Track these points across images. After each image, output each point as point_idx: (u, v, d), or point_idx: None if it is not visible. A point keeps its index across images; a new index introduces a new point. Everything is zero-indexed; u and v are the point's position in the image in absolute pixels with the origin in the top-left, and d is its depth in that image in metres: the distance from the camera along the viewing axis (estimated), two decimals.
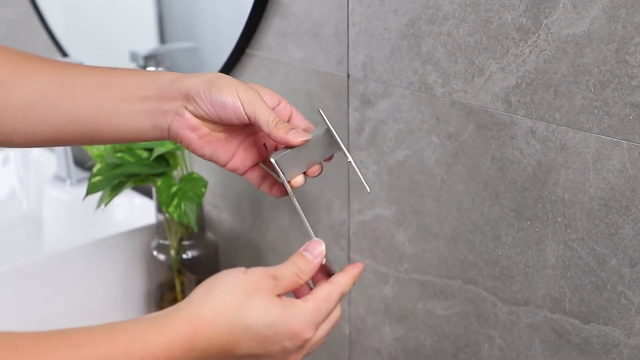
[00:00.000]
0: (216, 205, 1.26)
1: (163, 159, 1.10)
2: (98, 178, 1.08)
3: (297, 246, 1.12)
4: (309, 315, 0.64)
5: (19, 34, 1.66)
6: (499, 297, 0.87)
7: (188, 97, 0.71)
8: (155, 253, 1.18)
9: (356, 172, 0.74)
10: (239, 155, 0.76)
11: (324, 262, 0.69)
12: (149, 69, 1.21)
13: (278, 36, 1.05)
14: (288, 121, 0.76)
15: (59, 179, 1.46)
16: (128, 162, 1.09)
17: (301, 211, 0.72)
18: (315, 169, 0.74)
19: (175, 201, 1.07)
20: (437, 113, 0.88)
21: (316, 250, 0.68)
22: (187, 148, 0.74)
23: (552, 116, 0.77)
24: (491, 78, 0.81)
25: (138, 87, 0.73)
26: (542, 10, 0.75)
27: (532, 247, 0.82)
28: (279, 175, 0.72)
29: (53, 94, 0.73)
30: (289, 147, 0.71)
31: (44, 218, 1.49)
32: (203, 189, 1.09)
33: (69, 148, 1.42)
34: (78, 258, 1.17)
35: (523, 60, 0.78)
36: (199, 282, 1.18)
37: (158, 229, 1.18)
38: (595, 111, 0.73)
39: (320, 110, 0.74)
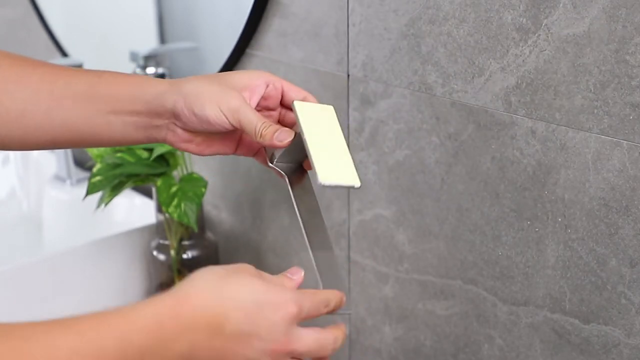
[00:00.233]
0: (216, 205, 1.26)
1: (163, 159, 1.10)
2: (98, 178, 1.08)
3: (297, 246, 1.12)
4: (292, 293, 0.64)
5: (19, 34, 1.66)
6: (499, 297, 0.87)
7: (174, 114, 0.71)
8: (155, 253, 1.18)
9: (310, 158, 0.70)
10: (243, 143, 0.77)
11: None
12: (148, 69, 1.21)
13: (278, 36, 1.05)
14: (281, 99, 0.75)
15: (59, 179, 1.46)
16: (128, 162, 1.09)
17: (300, 218, 0.72)
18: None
19: (175, 201, 1.07)
20: (437, 113, 0.88)
21: (296, 274, 0.68)
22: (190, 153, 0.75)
23: (552, 116, 0.77)
24: (491, 78, 0.81)
25: (125, 101, 0.72)
26: (542, 10, 0.75)
27: (532, 247, 0.82)
28: (282, 177, 0.72)
29: (44, 102, 0.72)
30: None
31: (44, 218, 1.49)
32: (203, 189, 1.09)
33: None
34: (78, 258, 1.17)
35: (523, 60, 0.78)
36: None
37: (158, 229, 1.18)
38: (595, 111, 0.73)
39: (295, 104, 0.72)
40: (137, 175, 1.09)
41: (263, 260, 1.19)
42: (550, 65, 0.76)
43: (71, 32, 1.53)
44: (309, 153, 0.68)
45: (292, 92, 0.75)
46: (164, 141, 0.74)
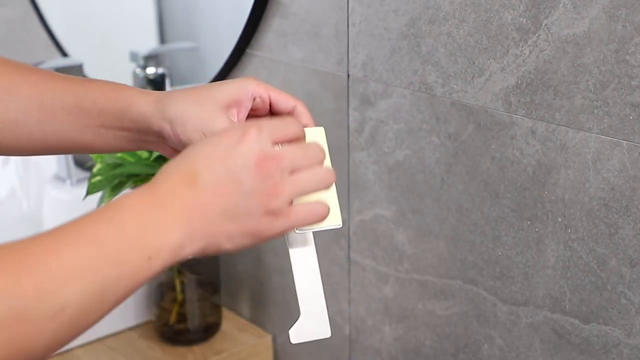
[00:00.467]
0: None
1: (163, 159, 1.10)
2: (98, 178, 1.08)
3: None
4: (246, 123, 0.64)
5: (19, 34, 1.66)
6: (499, 297, 0.87)
7: (161, 137, 0.71)
8: None
9: None
10: None
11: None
12: (148, 69, 1.21)
13: (278, 36, 1.05)
14: (270, 108, 0.73)
15: (59, 179, 1.46)
16: (128, 162, 1.09)
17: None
18: None
19: None
20: (437, 113, 0.88)
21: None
22: None
23: (552, 116, 0.77)
24: (491, 78, 0.81)
25: (112, 117, 0.72)
26: (542, 10, 0.75)
27: (532, 247, 0.82)
28: None
29: (35, 113, 0.72)
30: None
31: (44, 218, 1.49)
32: None
33: None
34: None
35: (523, 60, 0.78)
36: (199, 282, 1.18)
37: None
38: (595, 111, 0.73)
39: None
40: (137, 175, 1.09)
41: (263, 260, 1.20)
42: (550, 65, 0.76)
43: (71, 32, 1.53)
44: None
45: (280, 102, 0.72)
46: (157, 151, 0.74)
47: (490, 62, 0.81)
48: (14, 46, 1.65)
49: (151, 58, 1.21)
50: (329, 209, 0.64)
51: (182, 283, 1.18)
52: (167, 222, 0.57)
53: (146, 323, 1.23)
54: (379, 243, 1.00)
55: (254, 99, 0.71)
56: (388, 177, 0.96)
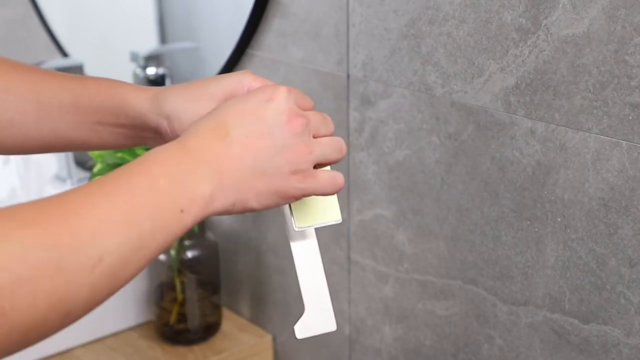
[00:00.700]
0: None
1: None
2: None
3: None
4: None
5: (19, 34, 1.66)
6: (499, 297, 0.87)
7: (158, 133, 0.71)
8: None
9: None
10: None
11: None
12: (149, 69, 1.21)
13: (278, 36, 1.05)
14: None
15: (59, 179, 1.46)
16: (128, 162, 1.09)
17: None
18: None
19: None
20: (437, 113, 0.88)
21: None
22: None
23: (552, 116, 0.77)
24: (491, 78, 0.81)
25: (109, 114, 0.72)
26: (541, 10, 0.75)
27: (532, 247, 0.82)
28: None
29: (31, 112, 0.72)
30: None
31: None
32: None
33: None
34: None
35: (523, 61, 0.78)
36: (199, 282, 1.19)
37: None
38: (595, 111, 0.74)
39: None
40: None
41: (263, 260, 1.20)
42: (549, 66, 0.76)
43: (71, 32, 1.53)
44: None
45: None
46: (154, 147, 0.74)
47: (490, 63, 0.81)
48: (14, 46, 1.65)
49: (151, 58, 1.21)
50: (344, 182, 0.65)
51: (182, 283, 1.18)
52: (197, 174, 0.57)
53: (146, 323, 1.24)
54: (379, 243, 1.00)
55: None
56: (388, 177, 0.96)
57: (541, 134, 0.79)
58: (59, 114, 0.72)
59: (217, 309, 1.21)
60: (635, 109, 0.70)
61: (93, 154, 1.12)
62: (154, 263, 1.19)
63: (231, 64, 1.13)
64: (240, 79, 0.70)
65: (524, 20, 0.77)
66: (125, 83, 0.73)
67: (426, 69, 0.88)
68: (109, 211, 0.52)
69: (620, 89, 0.71)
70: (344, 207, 1.02)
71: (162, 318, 1.19)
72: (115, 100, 0.72)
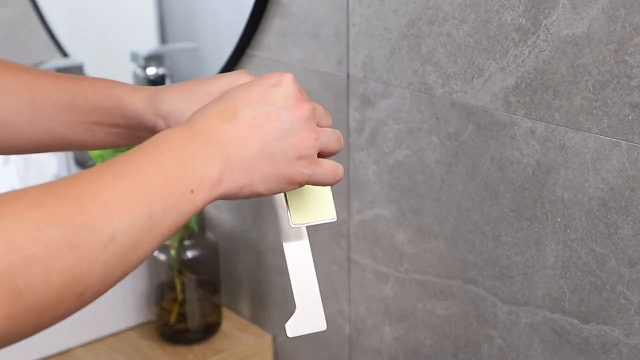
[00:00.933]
0: (216, 205, 1.26)
1: None
2: None
3: None
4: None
5: (19, 34, 1.66)
6: (499, 297, 0.87)
7: (155, 131, 0.71)
8: (155, 253, 1.18)
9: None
10: None
11: None
12: (149, 69, 1.21)
13: (278, 36, 1.05)
14: None
15: (59, 178, 1.46)
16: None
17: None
18: None
19: None
20: (437, 113, 0.88)
21: None
22: None
23: (552, 116, 0.77)
24: (491, 78, 0.82)
25: (105, 115, 0.72)
26: (541, 10, 0.75)
27: (532, 247, 0.83)
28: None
29: (25, 112, 0.72)
30: None
31: None
32: None
33: None
34: None
35: (522, 61, 0.78)
36: (199, 282, 1.19)
37: None
38: (595, 111, 0.74)
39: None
40: None
41: (263, 260, 1.20)
42: (549, 66, 0.76)
43: (71, 32, 1.53)
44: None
45: None
46: None
47: (490, 63, 0.81)
48: (14, 46, 1.65)
49: (152, 58, 1.21)
50: (343, 173, 0.66)
51: (182, 283, 1.18)
52: (206, 155, 0.57)
53: (146, 323, 1.24)
54: (379, 243, 1.00)
55: None
56: (388, 177, 0.96)
57: (541, 134, 0.79)
58: (54, 114, 0.73)
59: (217, 309, 1.21)
60: (635, 109, 0.71)
61: (93, 153, 1.11)
62: (154, 263, 1.19)
63: (231, 64, 1.13)
64: (237, 79, 0.70)
65: (523, 20, 0.77)
66: (122, 83, 0.74)
67: (426, 69, 0.88)
68: (119, 191, 0.52)
69: (620, 89, 0.71)
70: (344, 207, 1.02)
71: (162, 318, 1.19)
72: (111, 100, 0.72)
